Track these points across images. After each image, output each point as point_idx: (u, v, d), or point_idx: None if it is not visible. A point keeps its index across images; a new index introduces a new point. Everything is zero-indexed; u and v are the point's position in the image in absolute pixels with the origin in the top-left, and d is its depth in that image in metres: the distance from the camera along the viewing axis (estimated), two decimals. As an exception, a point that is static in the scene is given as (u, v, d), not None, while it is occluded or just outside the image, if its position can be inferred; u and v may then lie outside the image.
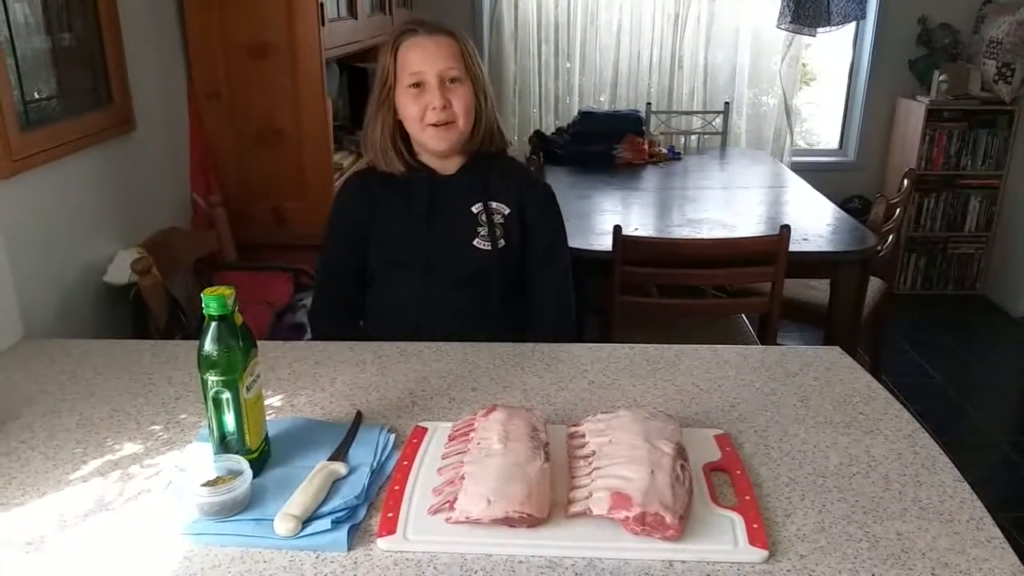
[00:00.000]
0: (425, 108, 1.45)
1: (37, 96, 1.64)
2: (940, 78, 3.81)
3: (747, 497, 0.98)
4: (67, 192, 1.75)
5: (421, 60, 1.45)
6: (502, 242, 1.54)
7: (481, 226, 1.54)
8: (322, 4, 2.25)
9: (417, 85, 1.45)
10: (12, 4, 1.55)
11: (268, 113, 2.34)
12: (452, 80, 1.46)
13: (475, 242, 1.53)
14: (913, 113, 3.92)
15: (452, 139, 1.48)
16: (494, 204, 1.55)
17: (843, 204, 3.80)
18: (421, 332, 1.51)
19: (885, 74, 4.04)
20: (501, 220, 1.55)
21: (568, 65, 4.08)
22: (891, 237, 2.80)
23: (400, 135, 1.52)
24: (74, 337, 1.65)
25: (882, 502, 0.98)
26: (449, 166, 1.55)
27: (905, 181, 2.86)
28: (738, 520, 0.94)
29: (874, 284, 2.86)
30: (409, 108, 1.46)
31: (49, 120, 1.65)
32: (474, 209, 1.54)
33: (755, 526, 0.93)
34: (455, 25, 1.50)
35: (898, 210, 2.81)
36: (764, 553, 0.89)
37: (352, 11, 2.73)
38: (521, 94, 4.08)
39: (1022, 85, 3.76)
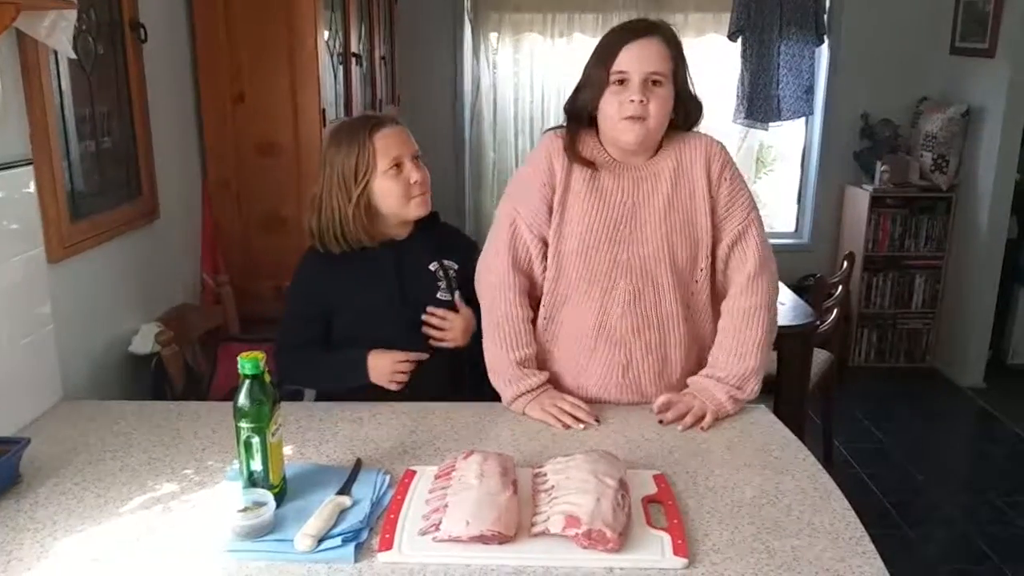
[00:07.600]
0: (408, 185, 1.73)
1: (83, 191, 1.91)
2: (882, 168, 4.20)
3: (675, 521, 1.22)
4: (102, 273, 2.01)
5: (398, 146, 1.73)
6: (458, 293, 1.81)
7: (440, 280, 1.80)
8: (324, 109, 2.57)
9: (398, 167, 1.73)
10: (67, 114, 1.83)
11: (273, 202, 2.62)
12: (415, 157, 1.77)
13: (439, 295, 1.79)
14: (859, 199, 4.28)
15: (429, 205, 1.79)
16: (446, 261, 1.82)
17: (799, 282, 4.12)
18: (418, 387, 1.72)
19: (833, 164, 4.43)
20: (454, 275, 1.82)
21: (544, 154, 4.44)
22: (835, 312, 3.10)
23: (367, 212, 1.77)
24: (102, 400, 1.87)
25: (783, 524, 1.23)
26: (403, 231, 1.82)
27: (845, 263, 3.18)
28: (666, 538, 1.17)
29: (823, 356, 3.14)
30: (394, 189, 1.73)
31: (92, 212, 1.92)
32: (431, 267, 1.81)
33: (679, 542, 1.16)
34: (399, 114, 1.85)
35: (840, 288, 3.11)
36: (684, 561, 1.13)
37: (349, 114, 3.05)
38: (500, 181, 4.42)
39: (957, 174, 4.15)
